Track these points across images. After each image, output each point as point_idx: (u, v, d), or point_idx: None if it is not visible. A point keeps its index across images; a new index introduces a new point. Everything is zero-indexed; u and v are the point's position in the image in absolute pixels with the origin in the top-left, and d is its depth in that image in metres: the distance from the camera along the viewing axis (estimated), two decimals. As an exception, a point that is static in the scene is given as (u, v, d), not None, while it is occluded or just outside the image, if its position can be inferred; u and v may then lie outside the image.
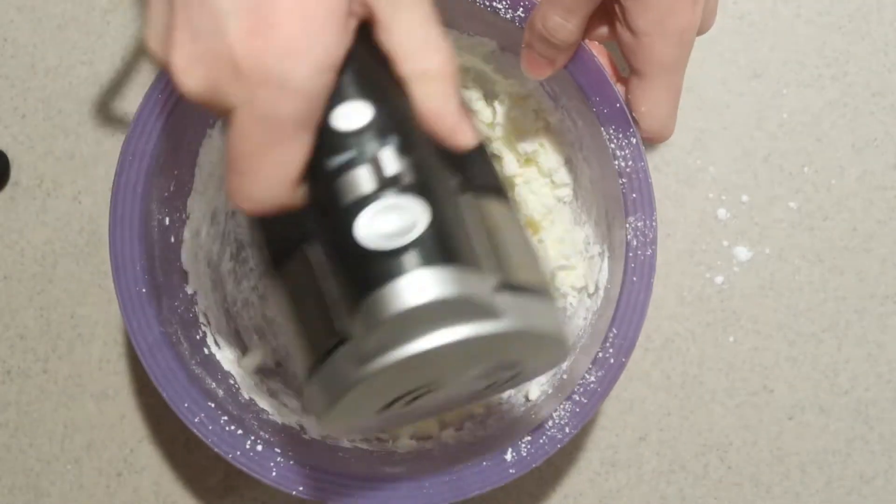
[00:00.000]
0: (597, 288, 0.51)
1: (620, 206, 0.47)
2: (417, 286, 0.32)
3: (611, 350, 0.46)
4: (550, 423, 0.47)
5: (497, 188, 0.38)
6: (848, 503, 0.56)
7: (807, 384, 0.56)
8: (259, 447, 0.47)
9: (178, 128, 0.48)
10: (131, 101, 0.58)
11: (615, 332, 0.46)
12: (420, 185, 0.34)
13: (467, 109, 0.37)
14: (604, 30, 0.46)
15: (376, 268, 0.33)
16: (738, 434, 0.56)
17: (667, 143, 0.56)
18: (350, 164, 0.34)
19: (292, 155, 0.33)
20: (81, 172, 0.58)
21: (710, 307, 0.56)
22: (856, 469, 0.56)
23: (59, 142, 0.58)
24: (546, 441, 0.47)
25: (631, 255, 0.46)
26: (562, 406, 0.47)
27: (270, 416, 0.50)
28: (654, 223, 0.46)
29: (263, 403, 0.51)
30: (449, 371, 0.36)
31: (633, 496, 0.56)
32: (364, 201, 0.33)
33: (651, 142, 0.47)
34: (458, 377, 0.37)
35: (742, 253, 0.56)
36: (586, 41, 0.46)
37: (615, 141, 0.46)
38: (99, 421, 0.57)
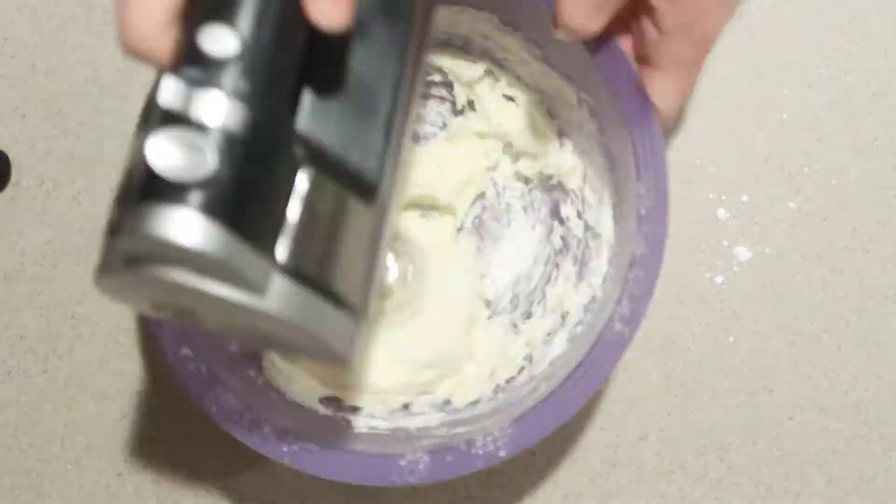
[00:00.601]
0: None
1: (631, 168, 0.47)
2: (188, 226, 0.32)
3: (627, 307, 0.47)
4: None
5: (365, 181, 0.37)
6: (848, 503, 0.56)
7: (807, 384, 0.56)
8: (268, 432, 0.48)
9: None
10: (130, 99, 0.58)
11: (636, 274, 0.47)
12: (233, 140, 0.33)
13: None
14: (624, 21, 0.46)
15: (161, 186, 0.32)
16: (738, 434, 0.56)
17: (667, 144, 0.56)
18: (189, 80, 0.34)
19: None
20: (81, 172, 0.58)
21: (710, 307, 0.56)
22: (856, 469, 0.56)
23: (59, 142, 0.58)
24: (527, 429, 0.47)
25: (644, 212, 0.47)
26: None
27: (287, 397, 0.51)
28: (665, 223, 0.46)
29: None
30: (205, 311, 0.36)
31: (633, 496, 0.56)
32: (173, 120, 0.33)
33: None
34: (221, 321, 0.37)
35: (742, 253, 0.56)
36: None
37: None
38: (99, 421, 0.57)
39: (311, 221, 0.35)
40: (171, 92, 0.34)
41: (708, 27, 0.44)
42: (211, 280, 0.34)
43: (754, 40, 0.57)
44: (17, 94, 0.58)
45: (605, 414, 0.56)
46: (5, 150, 0.58)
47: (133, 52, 0.35)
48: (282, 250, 0.35)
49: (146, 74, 0.58)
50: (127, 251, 0.34)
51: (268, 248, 0.34)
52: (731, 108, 0.57)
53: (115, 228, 0.34)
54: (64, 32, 0.58)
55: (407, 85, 0.39)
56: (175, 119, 0.33)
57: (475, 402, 0.53)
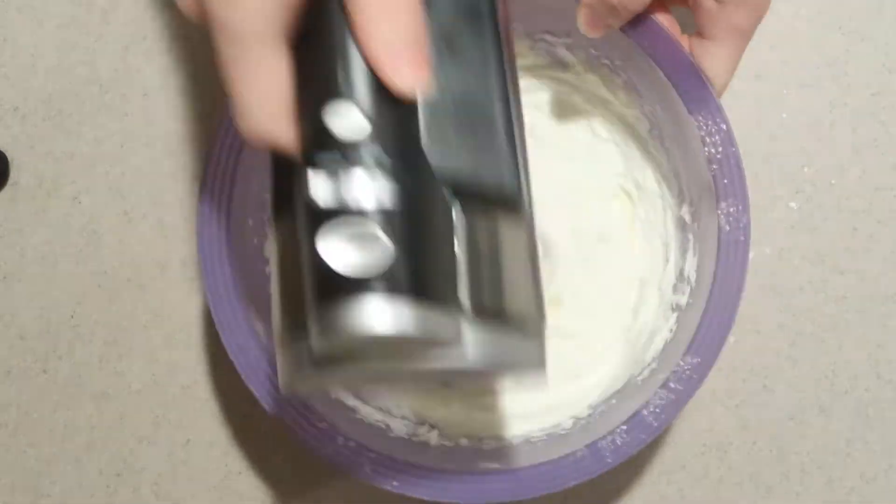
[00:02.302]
0: (684, 277, 0.51)
1: (711, 191, 0.47)
2: (378, 314, 0.32)
3: (706, 335, 0.47)
4: (646, 412, 0.47)
5: (507, 194, 0.36)
6: (848, 503, 0.56)
7: (807, 384, 0.56)
8: (351, 444, 0.48)
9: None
10: (130, 99, 0.58)
11: (710, 317, 0.47)
12: (396, 216, 0.33)
13: (421, 48, 0.34)
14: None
15: (340, 282, 0.32)
16: (738, 434, 0.56)
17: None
18: (333, 170, 0.33)
19: (264, 75, 0.33)
20: (81, 172, 0.58)
21: (710, 307, 0.56)
22: (856, 469, 0.56)
23: (59, 142, 0.58)
24: (642, 429, 0.47)
25: (723, 238, 0.47)
26: (656, 395, 0.47)
27: (356, 416, 0.51)
28: (747, 209, 0.47)
29: (350, 402, 0.51)
30: (408, 382, 0.36)
31: (633, 496, 0.56)
32: (334, 215, 0.32)
33: None
34: (420, 384, 0.37)
35: (742, 253, 0.56)
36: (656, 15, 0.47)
37: (704, 128, 0.47)
38: (99, 421, 0.57)
39: (475, 256, 0.34)
40: (321, 186, 0.33)
41: None
42: (410, 357, 0.33)
43: (754, 40, 0.57)
44: (17, 94, 0.58)
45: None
46: (5, 150, 0.58)
47: (258, 139, 0.34)
48: (462, 296, 0.34)
49: (146, 74, 0.58)
50: (320, 354, 0.33)
51: (454, 302, 0.34)
52: (731, 108, 0.56)
53: (298, 335, 0.33)
54: (64, 32, 0.58)
55: (511, 88, 0.38)
56: (331, 213, 0.32)
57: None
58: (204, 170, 0.49)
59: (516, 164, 0.37)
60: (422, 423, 0.52)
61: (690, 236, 0.51)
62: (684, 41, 0.48)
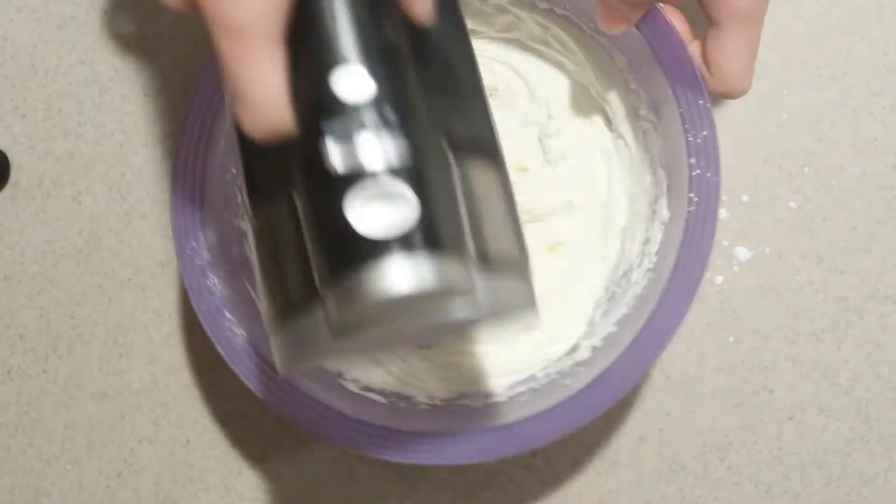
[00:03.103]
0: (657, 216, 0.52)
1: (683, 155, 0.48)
2: (400, 275, 0.32)
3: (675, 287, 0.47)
4: (615, 369, 0.47)
5: (488, 144, 0.37)
6: (848, 503, 0.56)
7: (807, 384, 0.56)
8: (351, 421, 0.48)
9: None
10: (130, 99, 0.58)
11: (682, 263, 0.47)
12: (415, 171, 0.33)
13: None
14: None
15: (360, 248, 0.32)
16: (738, 434, 0.56)
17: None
18: (347, 135, 0.33)
19: (267, 68, 0.34)
20: (81, 172, 0.58)
21: (710, 307, 0.56)
22: (856, 469, 0.56)
23: (59, 142, 0.58)
24: (609, 389, 0.47)
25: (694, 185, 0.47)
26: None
27: (346, 391, 0.51)
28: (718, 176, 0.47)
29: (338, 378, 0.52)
30: (419, 337, 0.36)
31: (633, 496, 0.56)
32: (357, 179, 0.33)
33: (726, 96, 0.48)
34: (426, 339, 0.37)
35: (742, 253, 0.56)
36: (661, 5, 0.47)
37: (684, 106, 0.47)
38: (99, 421, 0.57)
39: (471, 205, 0.35)
40: (336, 153, 0.33)
41: None
42: (428, 313, 0.33)
43: (754, 40, 0.57)
44: (17, 94, 0.58)
45: (605, 414, 0.56)
46: (5, 149, 0.58)
47: (264, 130, 0.34)
48: (468, 246, 0.34)
49: (146, 74, 0.58)
50: (340, 323, 0.33)
51: (465, 252, 0.34)
52: (731, 108, 0.56)
53: (295, 314, 0.34)
54: (64, 32, 0.58)
55: (472, 50, 0.40)
56: (351, 178, 0.33)
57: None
58: (173, 162, 0.49)
59: (491, 118, 0.38)
60: (405, 392, 0.52)
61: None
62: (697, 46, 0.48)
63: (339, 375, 0.51)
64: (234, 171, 0.51)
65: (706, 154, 0.47)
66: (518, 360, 0.53)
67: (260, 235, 0.36)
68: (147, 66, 0.58)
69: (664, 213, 0.50)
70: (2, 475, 0.58)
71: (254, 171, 0.37)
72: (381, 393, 0.51)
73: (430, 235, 0.33)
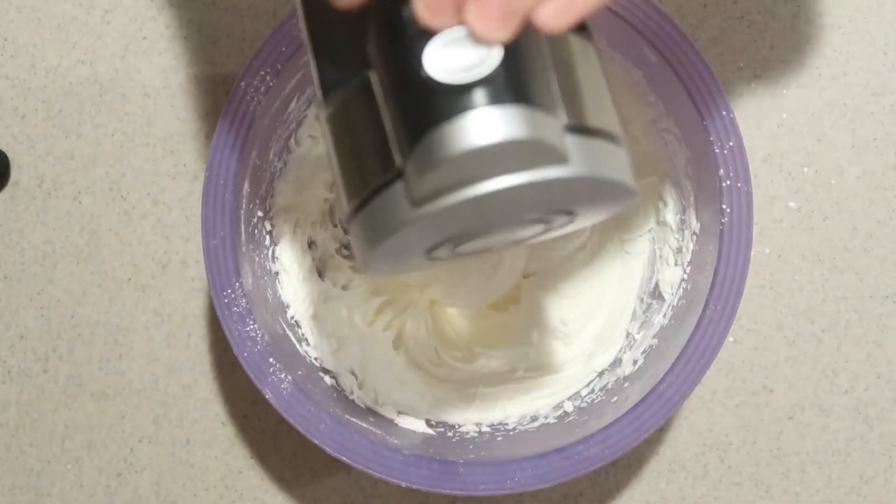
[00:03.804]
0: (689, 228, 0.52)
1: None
2: (484, 125, 0.30)
3: (712, 317, 0.48)
4: (663, 386, 0.48)
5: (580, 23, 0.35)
6: (848, 503, 0.56)
7: (807, 384, 0.56)
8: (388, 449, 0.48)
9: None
10: (130, 99, 0.58)
11: (717, 290, 0.48)
12: None
13: None
14: None
15: (441, 102, 0.31)
16: (738, 434, 0.56)
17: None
18: None
19: None
20: (81, 172, 0.58)
21: (710, 307, 0.56)
22: (856, 469, 0.56)
23: (59, 142, 0.58)
24: (661, 405, 0.47)
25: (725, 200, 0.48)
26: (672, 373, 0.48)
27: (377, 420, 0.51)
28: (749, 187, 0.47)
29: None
30: (506, 214, 0.34)
31: (633, 496, 0.56)
32: (420, 34, 0.31)
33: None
34: (514, 220, 0.35)
35: (742, 253, 0.56)
36: None
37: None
38: (99, 421, 0.57)
39: (562, 69, 0.33)
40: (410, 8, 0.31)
41: None
42: (518, 171, 0.31)
43: (754, 40, 0.57)
44: (17, 94, 0.58)
45: (605, 414, 0.56)
46: (5, 149, 0.58)
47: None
48: (557, 109, 0.33)
49: (146, 75, 0.58)
50: (415, 195, 0.31)
51: (553, 107, 0.32)
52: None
53: (383, 184, 0.32)
54: (64, 32, 0.58)
55: None
56: (429, 33, 0.31)
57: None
58: (206, 171, 0.49)
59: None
60: (437, 421, 0.53)
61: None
62: None
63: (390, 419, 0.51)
64: (259, 214, 0.51)
65: (734, 164, 0.47)
66: (563, 378, 0.53)
67: (334, 122, 0.35)
68: (147, 66, 0.58)
69: (694, 224, 0.50)
70: (2, 475, 0.58)
71: (325, 59, 0.35)
72: (428, 423, 0.52)
73: (516, 84, 0.31)
